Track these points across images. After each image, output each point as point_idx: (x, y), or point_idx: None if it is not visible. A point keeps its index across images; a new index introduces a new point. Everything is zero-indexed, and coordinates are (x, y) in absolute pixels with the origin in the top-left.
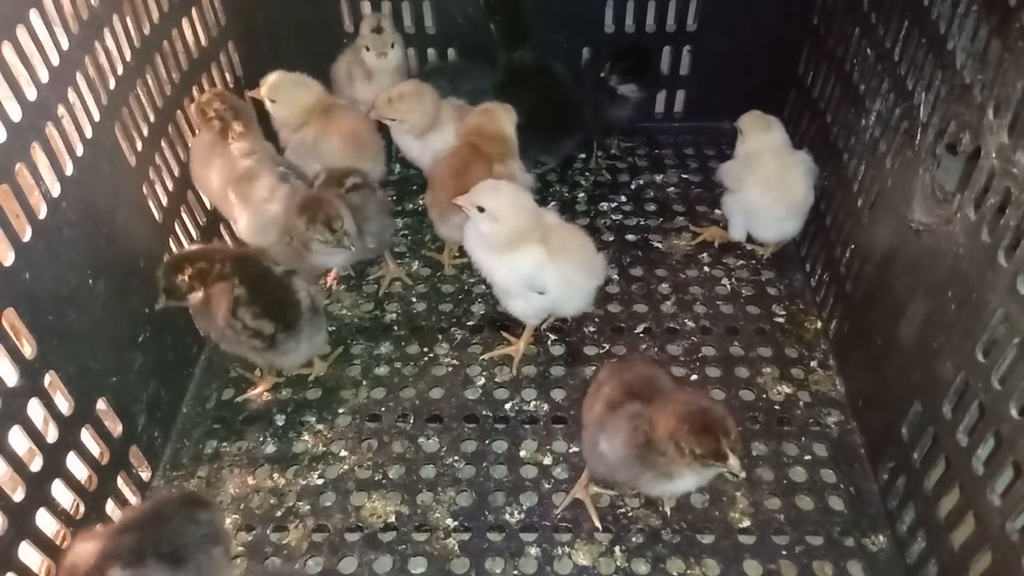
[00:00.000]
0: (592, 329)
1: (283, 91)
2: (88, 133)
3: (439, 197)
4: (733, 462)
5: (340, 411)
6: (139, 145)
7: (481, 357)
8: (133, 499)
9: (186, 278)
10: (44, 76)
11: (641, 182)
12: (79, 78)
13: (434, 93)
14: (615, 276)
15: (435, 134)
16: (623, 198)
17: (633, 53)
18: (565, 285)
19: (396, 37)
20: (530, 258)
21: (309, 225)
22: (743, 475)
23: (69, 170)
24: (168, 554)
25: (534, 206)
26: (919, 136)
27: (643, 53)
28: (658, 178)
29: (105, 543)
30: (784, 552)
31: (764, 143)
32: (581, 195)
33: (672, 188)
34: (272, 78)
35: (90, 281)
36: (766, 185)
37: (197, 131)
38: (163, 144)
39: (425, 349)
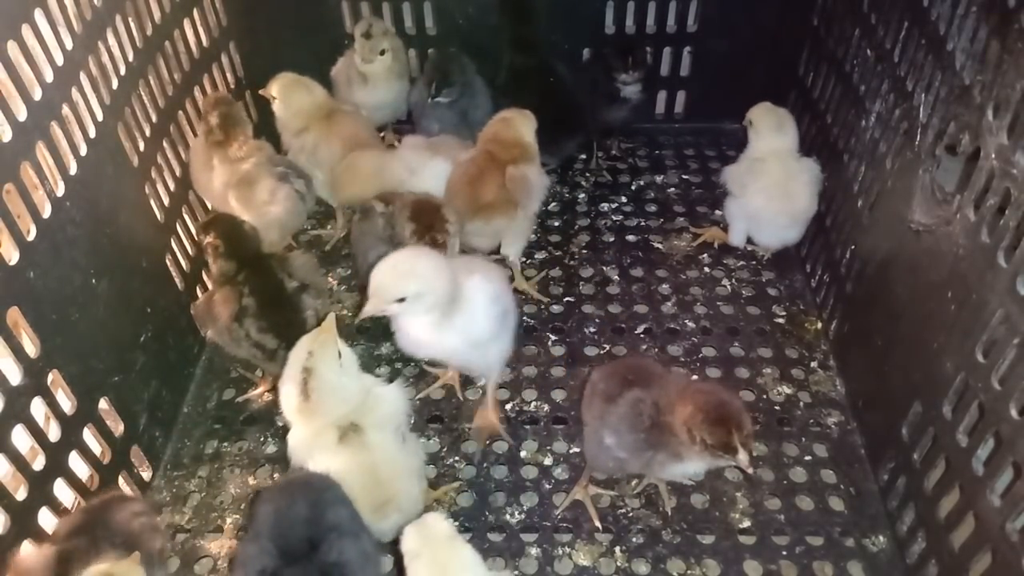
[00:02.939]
0: (592, 330)
1: (283, 91)
2: (92, 133)
3: (455, 205)
4: (742, 457)
5: None
6: (141, 145)
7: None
8: None
9: (208, 240)
10: (49, 76)
11: (641, 183)
12: (83, 78)
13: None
14: (616, 277)
15: None
16: (624, 199)
17: (632, 51)
18: (509, 290)
19: (390, 42)
20: (485, 286)
21: (413, 237)
22: (751, 471)
23: (73, 169)
24: (120, 546)
25: (438, 255)
26: (919, 137)
27: (639, 54)
28: (658, 179)
29: (57, 548)
30: (784, 553)
31: (773, 146)
32: (582, 196)
33: (672, 189)
34: (279, 77)
35: (93, 280)
36: (770, 194)
37: (197, 132)
38: (165, 144)
39: None
